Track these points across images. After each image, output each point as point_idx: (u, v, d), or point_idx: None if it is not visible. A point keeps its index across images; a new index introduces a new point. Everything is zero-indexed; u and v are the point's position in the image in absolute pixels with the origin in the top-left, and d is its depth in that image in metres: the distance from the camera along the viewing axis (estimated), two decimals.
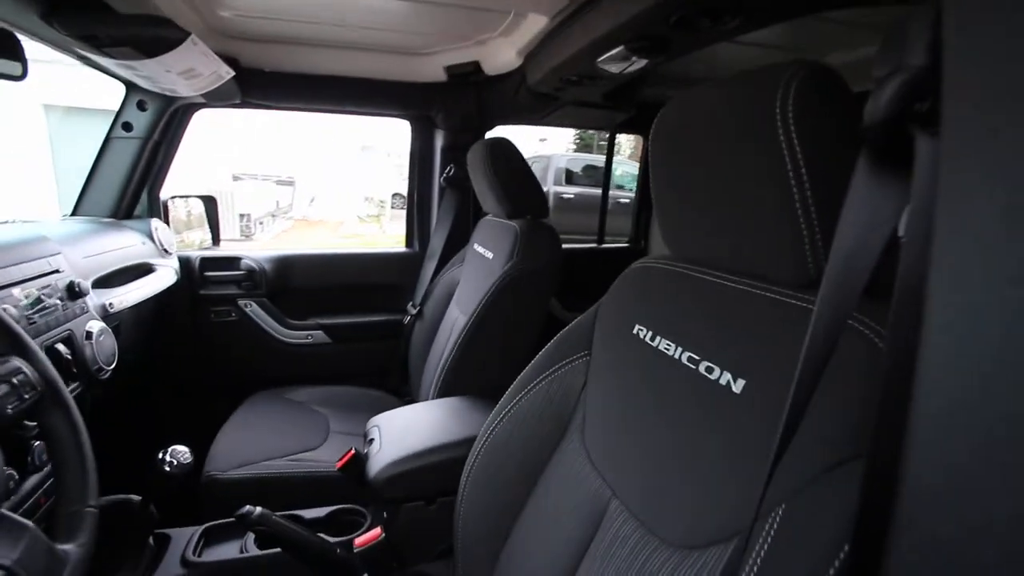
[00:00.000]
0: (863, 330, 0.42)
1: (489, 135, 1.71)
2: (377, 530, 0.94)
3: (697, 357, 0.56)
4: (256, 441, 1.28)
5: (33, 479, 0.74)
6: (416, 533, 0.95)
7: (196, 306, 1.65)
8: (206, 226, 1.78)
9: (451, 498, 0.81)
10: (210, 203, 1.81)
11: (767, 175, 0.47)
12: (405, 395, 1.69)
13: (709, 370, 0.54)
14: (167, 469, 0.88)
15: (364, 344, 1.81)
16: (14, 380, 0.57)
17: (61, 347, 0.84)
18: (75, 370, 0.87)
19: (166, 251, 1.49)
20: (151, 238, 1.45)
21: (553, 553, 0.66)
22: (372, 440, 1.02)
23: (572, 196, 7.66)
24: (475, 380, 1.26)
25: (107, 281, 1.15)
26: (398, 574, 0.94)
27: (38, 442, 0.73)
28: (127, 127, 1.43)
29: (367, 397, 1.61)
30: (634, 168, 5.00)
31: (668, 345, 0.61)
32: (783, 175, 0.45)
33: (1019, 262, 0.21)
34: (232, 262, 1.68)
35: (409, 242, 1.94)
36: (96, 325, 0.94)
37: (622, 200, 5.24)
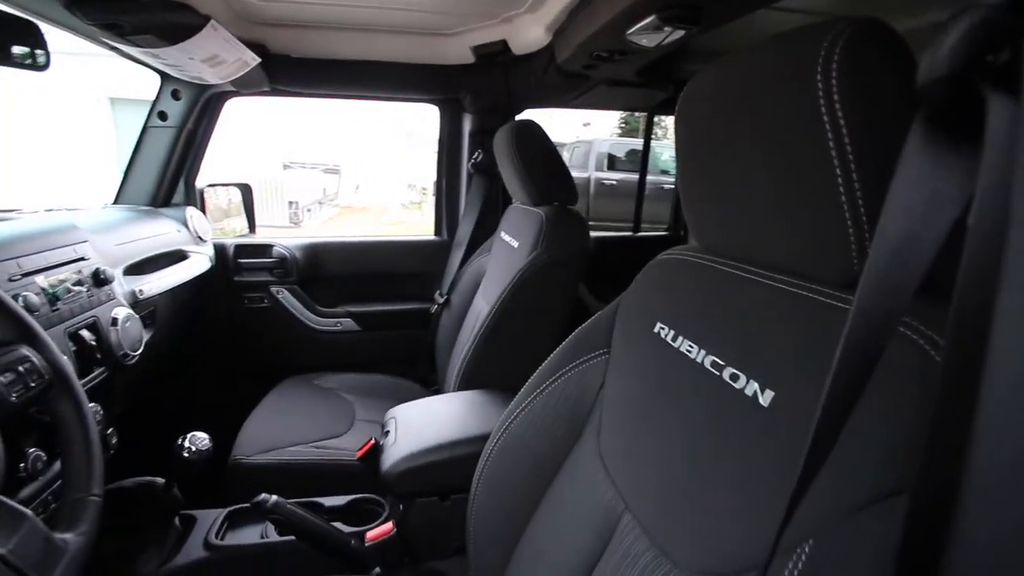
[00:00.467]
0: (914, 337, 0.34)
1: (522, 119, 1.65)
2: (389, 525, 0.93)
3: (721, 362, 0.50)
4: (283, 426, 1.30)
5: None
6: (429, 529, 0.94)
7: (230, 292, 1.69)
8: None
9: (465, 495, 0.78)
10: (246, 191, 1.84)
11: (805, 153, 0.40)
12: (432, 384, 1.68)
13: (734, 378, 0.48)
14: (185, 455, 0.90)
15: (392, 332, 1.81)
16: (20, 368, 0.58)
17: (85, 333, 0.86)
18: (99, 356, 0.89)
19: (200, 238, 1.52)
20: (186, 226, 1.48)
21: (563, 564, 0.63)
22: (388, 432, 1.01)
23: (615, 182, 7.48)
24: (498, 372, 1.23)
25: (140, 268, 1.18)
26: (410, 569, 0.93)
27: None
28: (162, 116, 1.46)
29: (394, 385, 1.61)
30: None
31: (690, 347, 0.55)
32: (824, 153, 0.38)
33: None
34: (265, 249, 1.71)
35: (438, 230, 1.92)
36: (122, 312, 0.96)
37: (667, 186, 5.05)
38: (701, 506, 0.48)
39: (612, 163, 7.72)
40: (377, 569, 0.87)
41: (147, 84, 1.45)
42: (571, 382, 0.71)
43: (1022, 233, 0.19)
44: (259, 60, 1.26)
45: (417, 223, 9.48)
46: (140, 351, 1.00)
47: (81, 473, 0.60)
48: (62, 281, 0.84)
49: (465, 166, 1.77)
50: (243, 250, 1.70)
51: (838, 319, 0.41)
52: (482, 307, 1.36)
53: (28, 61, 0.83)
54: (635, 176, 2.30)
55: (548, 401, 0.72)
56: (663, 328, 0.60)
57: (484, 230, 1.64)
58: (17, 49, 0.82)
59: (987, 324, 0.20)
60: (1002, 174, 0.20)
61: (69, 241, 0.91)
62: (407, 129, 12.33)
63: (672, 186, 4.39)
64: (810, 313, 0.43)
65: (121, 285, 1.04)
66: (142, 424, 1.23)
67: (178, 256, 1.37)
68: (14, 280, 0.75)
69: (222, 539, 0.96)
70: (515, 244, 1.29)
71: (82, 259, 0.92)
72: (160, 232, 1.34)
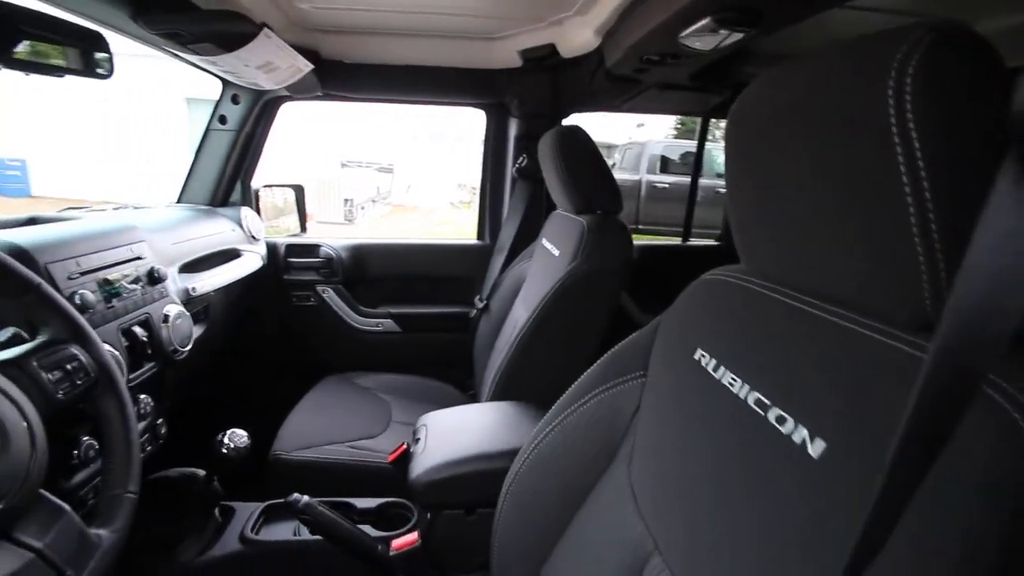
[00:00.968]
0: (1000, 400, 0.29)
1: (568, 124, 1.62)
2: (414, 535, 0.92)
3: (767, 401, 0.45)
4: (321, 424, 1.32)
5: None
6: (454, 542, 0.92)
7: (280, 291, 1.75)
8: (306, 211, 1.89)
9: (491, 510, 0.76)
10: (299, 192, 1.90)
11: (872, 177, 0.35)
12: (469, 389, 1.68)
13: (780, 420, 0.43)
14: (224, 451, 0.93)
15: (432, 335, 1.82)
16: (68, 367, 0.60)
17: (138, 329, 0.90)
18: (151, 351, 0.93)
19: (254, 237, 1.58)
20: (240, 225, 1.54)
21: None
22: (418, 440, 1.00)
23: (667, 186, 7.27)
24: (533, 383, 1.21)
25: (194, 266, 1.23)
26: None
27: None
28: (222, 120, 1.53)
29: (431, 388, 1.62)
30: None
31: (733, 380, 0.50)
32: (894, 178, 0.33)
33: None
34: (313, 249, 1.76)
35: (480, 234, 1.91)
36: (174, 309, 1.01)
37: (721, 190, 4.85)
38: (736, 560, 0.43)
39: (665, 165, 7.52)
40: None
41: (219, 85, 1.52)
42: (603, 404, 0.68)
43: None
44: (311, 66, 1.29)
45: (465, 222, 9.58)
46: (189, 347, 1.05)
47: (120, 470, 0.62)
48: (118, 279, 0.89)
49: (510, 171, 1.75)
50: (293, 249, 1.76)
51: (906, 367, 0.35)
52: (520, 314, 1.34)
53: (98, 70, 0.88)
54: (688, 180, 2.20)
55: (579, 422, 0.69)
56: (704, 356, 0.55)
57: (526, 236, 1.62)
58: (85, 59, 0.87)
59: None
60: None
61: (127, 241, 0.96)
62: (458, 129, 12.50)
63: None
64: (873, 356, 0.38)
65: (175, 283, 1.09)
66: (191, 416, 1.28)
67: (231, 255, 1.43)
68: (72, 278, 0.79)
69: (257, 533, 0.99)
70: (556, 252, 1.26)
71: (138, 258, 0.96)
72: (216, 231, 1.40)
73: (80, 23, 0.85)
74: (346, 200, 9.31)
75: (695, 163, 2.13)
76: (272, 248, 1.71)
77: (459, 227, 8.86)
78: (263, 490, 1.13)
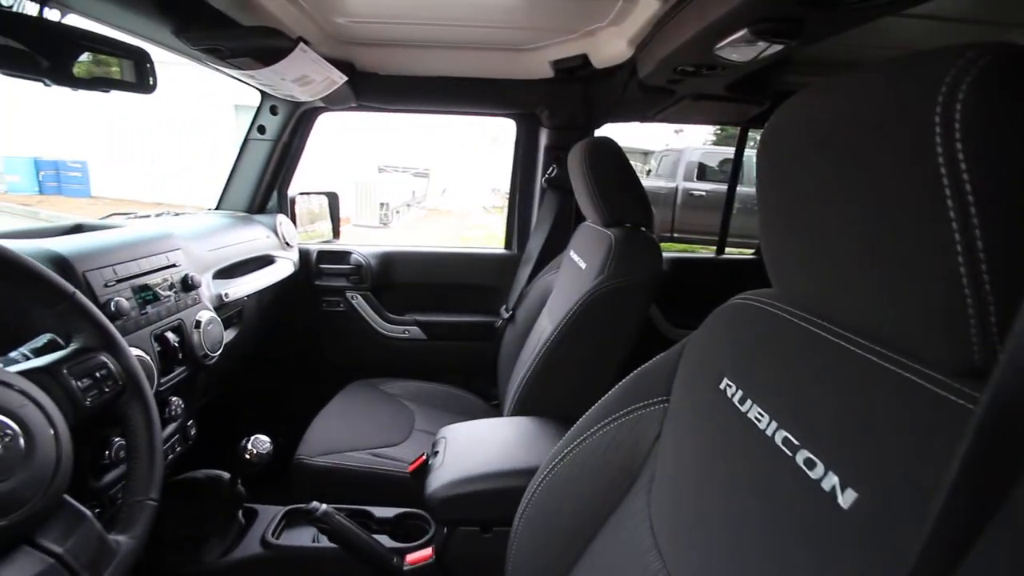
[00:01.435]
0: None
1: (599, 136, 1.60)
2: (429, 550, 0.92)
3: (795, 441, 0.42)
4: (345, 430, 1.34)
5: None
6: (468, 560, 0.91)
7: (311, 296, 1.79)
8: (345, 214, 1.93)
9: (507, 529, 0.75)
10: (333, 199, 1.94)
11: (915, 209, 0.32)
12: (492, 399, 1.67)
13: (809, 464, 0.40)
14: (247, 456, 0.95)
15: (457, 343, 1.82)
16: (97, 374, 0.62)
17: (170, 335, 0.93)
18: (182, 356, 0.96)
19: (287, 244, 1.62)
20: (275, 232, 1.58)
21: None
22: (437, 452, 1.00)
23: (704, 193, 7.10)
24: (555, 397, 1.19)
25: (229, 272, 1.27)
26: None
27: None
28: (261, 130, 1.58)
29: (454, 397, 1.61)
30: None
31: (760, 415, 0.47)
32: (940, 212, 0.30)
33: None
34: (343, 256, 1.79)
35: (508, 243, 1.90)
36: (206, 315, 1.04)
37: None
38: None
39: (703, 173, 7.34)
40: None
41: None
42: (624, 429, 0.65)
43: None
44: (346, 79, 1.32)
45: (496, 226, 9.63)
46: (220, 352, 1.07)
47: (142, 477, 0.63)
48: (152, 286, 0.92)
49: (539, 181, 1.74)
50: (325, 256, 1.79)
51: (950, 417, 0.32)
52: (546, 327, 1.32)
53: (146, 83, 0.92)
54: (726, 188, 2.14)
55: (599, 446, 0.67)
56: (730, 386, 0.52)
57: (554, 246, 1.60)
58: (137, 72, 0.91)
59: None
60: None
61: (162, 249, 0.99)
62: (493, 135, 12.59)
63: None
64: (913, 403, 0.35)
65: (208, 288, 1.13)
66: (220, 418, 1.32)
67: (265, 260, 1.47)
68: (109, 286, 0.82)
69: (278, 538, 1.01)
70: (583, 265, 1.24)
71: (173, 265, 1.00)
72: (251, 238, 1.44)
73: (127, 39, 0.89)
74: (382, 204, 9.49)
75: (732, 173, 2.06)
76: (304, 254, 1.75)
77: (490, 231, 8.91)
78: (287, 493, 1.15)
